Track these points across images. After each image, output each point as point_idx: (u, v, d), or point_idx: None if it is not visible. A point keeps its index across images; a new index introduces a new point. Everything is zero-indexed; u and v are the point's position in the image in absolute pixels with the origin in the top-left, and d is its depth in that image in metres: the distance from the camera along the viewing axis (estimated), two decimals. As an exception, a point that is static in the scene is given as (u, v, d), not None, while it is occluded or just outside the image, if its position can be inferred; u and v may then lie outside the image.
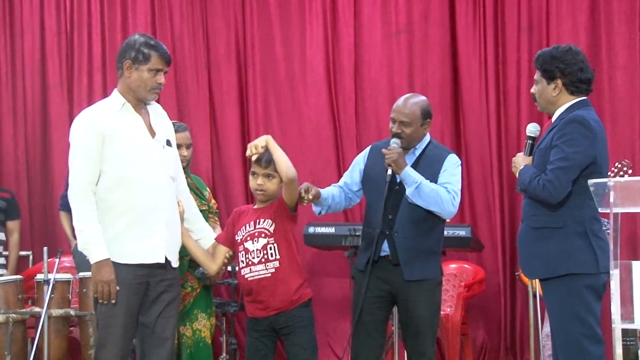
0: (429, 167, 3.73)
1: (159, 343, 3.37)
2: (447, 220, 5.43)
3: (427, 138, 3.83)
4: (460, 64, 6.03)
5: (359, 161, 3.91)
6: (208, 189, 4.44)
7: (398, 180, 3.70)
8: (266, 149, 3.50)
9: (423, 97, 3.86)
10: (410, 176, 3.65)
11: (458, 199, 3.72)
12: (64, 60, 6.53)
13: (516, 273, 5.50)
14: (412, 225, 3.69)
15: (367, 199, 3.86)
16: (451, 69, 6.06)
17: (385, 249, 3.71)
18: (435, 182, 3.70)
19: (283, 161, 3.46)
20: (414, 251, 3.70)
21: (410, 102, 3.76)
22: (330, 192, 3.83)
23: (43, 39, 6.57)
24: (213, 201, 4.40)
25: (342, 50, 6.21)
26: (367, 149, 3.94)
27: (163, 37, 6.34)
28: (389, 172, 3.65)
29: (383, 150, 3.69)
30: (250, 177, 3.59)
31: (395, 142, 3.69)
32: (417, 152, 3.79)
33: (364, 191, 3.88)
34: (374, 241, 3.68)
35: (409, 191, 3.64)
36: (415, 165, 3.73)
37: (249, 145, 3.53)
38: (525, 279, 5.02)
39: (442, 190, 3.66)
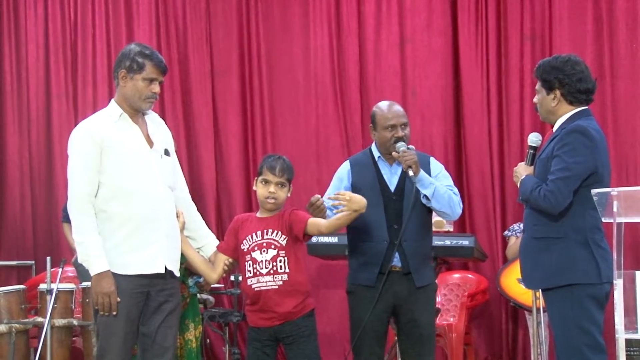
0: None
1: (161, 353, 3.36)
2: (451, 230, 5.46)
3: None
4: (463, 73, 6.04)
5: (342, 178, 3.84)
6: None
7: (394, 189, 3.71)
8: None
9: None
10: (427, 178, 3.68)
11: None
12: (69, 71, 6.58)
13: (520, 282, 5.49)
14: (416, 232, 3.72)
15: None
16: (453, 78, 6.07)
17: (394, 259, 3.69)
18: None
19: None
20: (421, 257, 3.74)
21: (396, 105, 3.83)
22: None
23: (47, 49, 6.61)
24: None
25: (348, 61, 6.24)
26: (347, 165, 3.88)
27: (167, 47, 6.38)
28: (410, 173, 3.63)
29: (399, 153, 3.65)
30: (259, 185, 3.56)
31: (403, 145, 3.69)
32: None
33: None
34: (381, 254, 3.67)
35: (428, 192, 3.65)
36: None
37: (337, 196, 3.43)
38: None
39: (451, 192, 3.72)
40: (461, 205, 3.77)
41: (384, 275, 3.66)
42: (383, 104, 3.84)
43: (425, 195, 3.66)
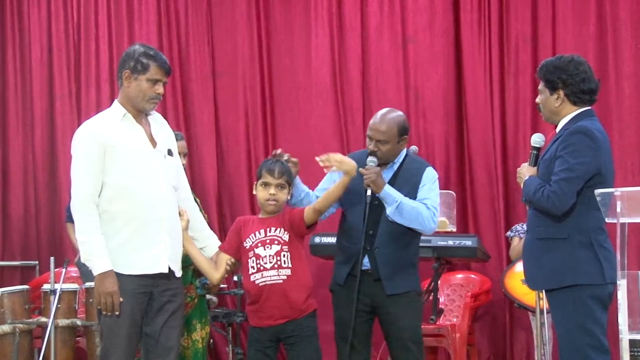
0: (408, 181, 3.71)
1: (164, 353, 3.37)
2: (454, 230, 5.46)
3: (404, 151, 3.79)
4: (465, 74, 6.03)
5: (334, 172, 3.78)
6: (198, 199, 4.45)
7: (376, 195, 3.65)
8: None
9: (400, 113, 3.78)
10: (390, 195, 3.61)
11: (438, 214, 3.72)
12: (72, 72, 6.61)
13: (524, 283, 5.47)
14: (392, 240, 3.67)
15: (345, 212, 3.81)
16: (456, 78, 6.07)
17: (365, 263, 3.68)
18: (415, 196, 3.68)
19: (336, 196, 3.51)
20: (395, 266, 3.68)
21: (387, 118, 3.70)
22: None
23: (51, 50, 6.64)
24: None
25: (349, 61, 6.23)
26: None
27: (169, 48, 6.40)
28: (369, 192, 3.61)
29: (361, 170, 3.60)
30: (260, 188, 3.57)
31: (372, 161, 3.65)
32: (395, 167, 3.75)
33: (342, 205, 3.80)
34: (354, 256, 3.67)
35: (389, 210, 3.61)
36: (393, 179, 3.70)
37: (328, 156, 3.50)
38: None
39: (422, 207, 3.65)
40: (435, 220, 3.67)
41: (354, 277, 3.65)
42: (379, 112, 3.76)
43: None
